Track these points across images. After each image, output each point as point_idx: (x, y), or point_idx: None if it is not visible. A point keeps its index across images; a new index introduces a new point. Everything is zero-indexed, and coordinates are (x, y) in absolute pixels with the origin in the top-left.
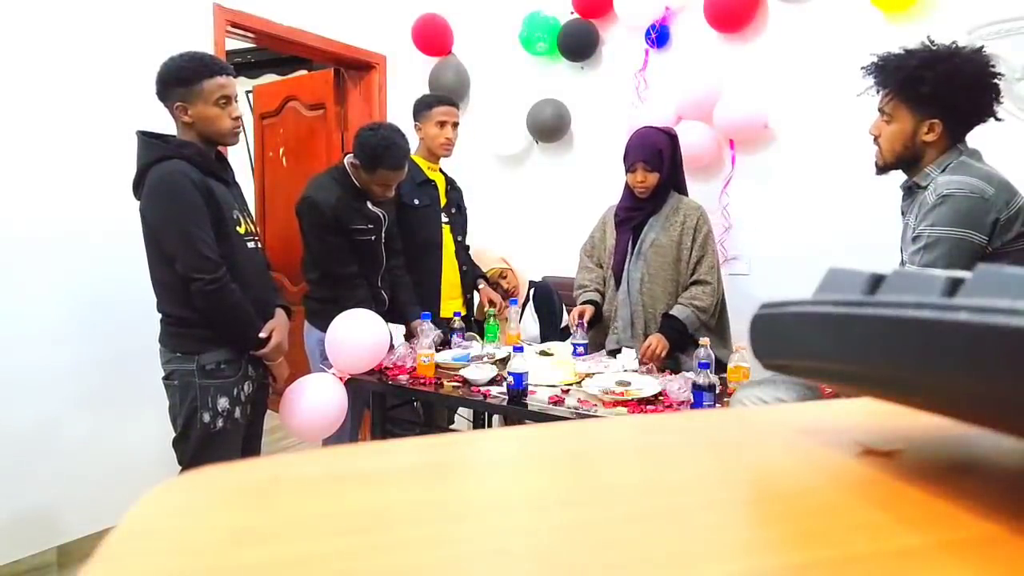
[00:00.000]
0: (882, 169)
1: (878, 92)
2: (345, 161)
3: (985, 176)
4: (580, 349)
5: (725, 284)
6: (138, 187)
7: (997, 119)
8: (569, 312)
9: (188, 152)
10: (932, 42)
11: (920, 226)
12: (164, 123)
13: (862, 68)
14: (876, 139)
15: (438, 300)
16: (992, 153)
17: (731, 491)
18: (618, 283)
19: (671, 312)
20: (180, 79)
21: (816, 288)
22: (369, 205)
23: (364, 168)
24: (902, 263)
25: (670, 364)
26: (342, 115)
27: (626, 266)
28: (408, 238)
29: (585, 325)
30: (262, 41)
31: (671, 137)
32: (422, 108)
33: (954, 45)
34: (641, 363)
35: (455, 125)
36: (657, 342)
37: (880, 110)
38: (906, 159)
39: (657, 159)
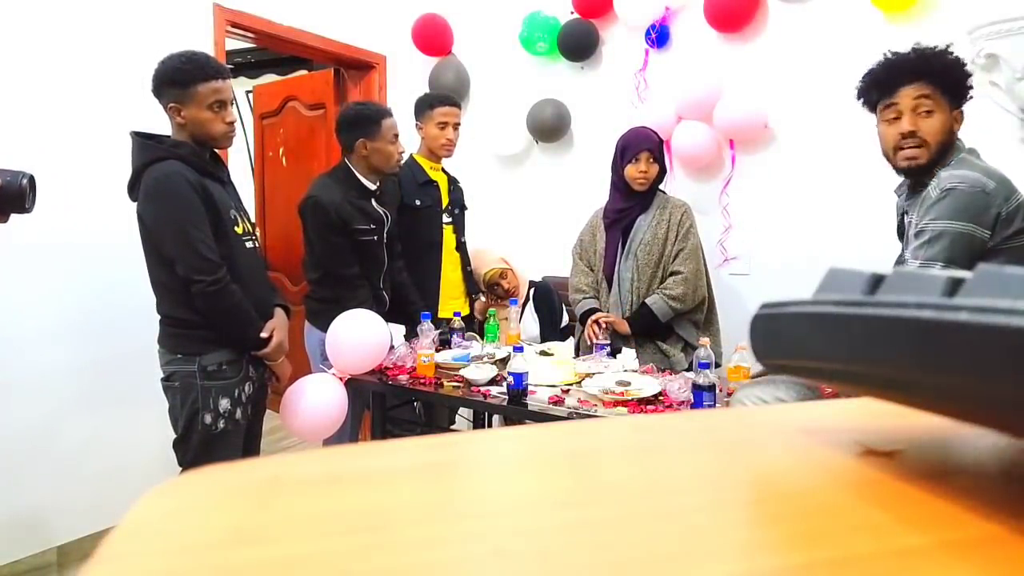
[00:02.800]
0: (927, 168)
1: (888, 95)
2: (348, 161)
3: (985, 171)
4: (607, 349)
5: (725, 284)
6: (133, 188)
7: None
8: (569, 312)
9: (183, 152)
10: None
11: (923, 220)
12: (165, 124)
13: (888, 59)
14: (911, 135)
15: (437, 300)
16: (992, 153)
17: (731, 491)
18: (610, 284)
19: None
20: (174, 80)
21: (816, 288)
22: (374, 204)
23: (373, 136)
24: (900, 261)
25: (659, 361)
26: None
27: (617, 267)
28: (409, 239)
29: (608, 327)
30: (262, 41)
31: (661, 138)
32: (423, 108)
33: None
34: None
35: (456, 126)
36: (614, 318)
37: (915, 104)
38: (943, 152)
39: (659, 150)
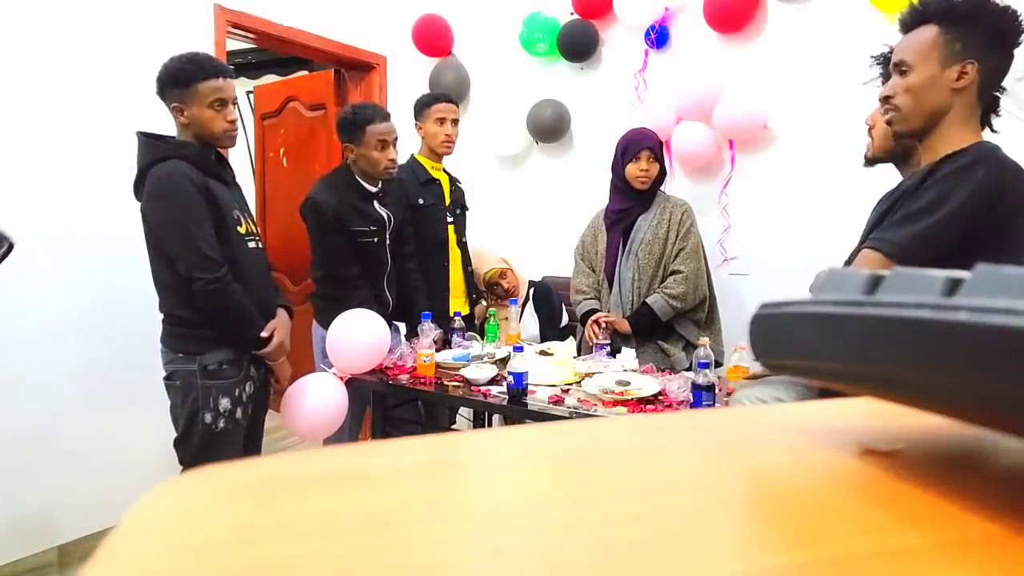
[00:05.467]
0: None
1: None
2: (347, 161)
3: None
4: (607, 348)
5: (725, 284)
6: (139, 188)
7: None
8: (569, 312)
9: (188, 152)
10: None
11: None
12: (166, 124)
13: None
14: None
15: (447, 298)
16: None
17: (731, 491)
18: (611, 284)
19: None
20: (176, 80)
21: (816, 287)
22: (376, 206)
23: (357, 141)
24: None
25: (660, 360)
26: None
27: (618, 267)
28: (414, 238)
29: (608, 327)
30: (262, 41)
31: (660, 139)
32: (421, 107)
33: None
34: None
35: (455, 122)
36: (614, 317)
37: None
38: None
39: (660, 149)
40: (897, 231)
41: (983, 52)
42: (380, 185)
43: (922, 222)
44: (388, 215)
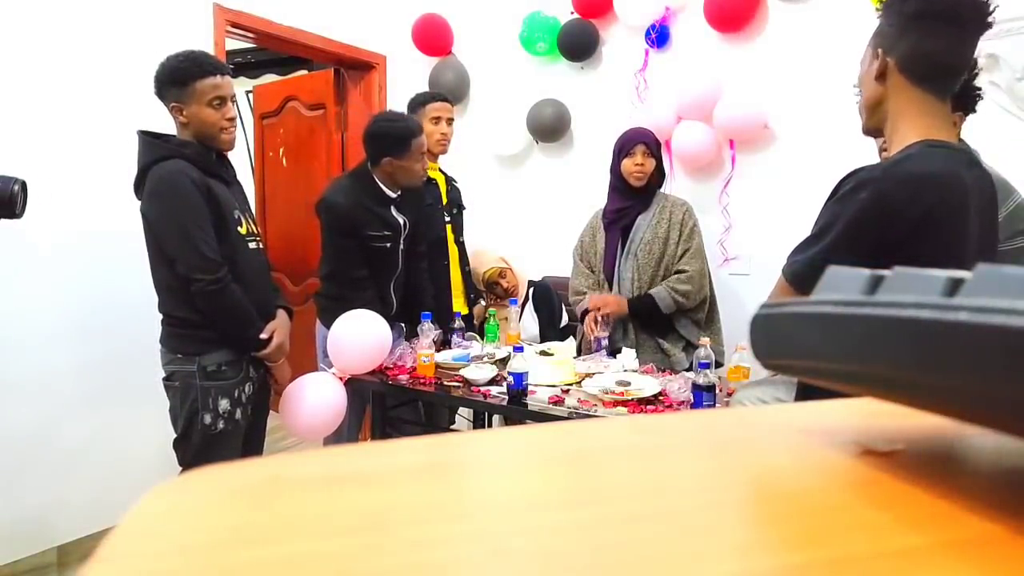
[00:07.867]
0: None
1: None
2: (372, 170)
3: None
4: (605, 342)
5: (725, 284)
6: (139, 187)
7: None
8: (569, 312)
9: (188, 151)
10: None
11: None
12: (165, 123)
13: None
14: None
15: (450, 298)
16: (992, 153)
17: (731, 491)
18: (610, 284)
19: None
20: (174, 79)
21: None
22: (392, 211)
23: (399, 154)
24: None
25: (660, 360)
26: (342, 115)
27: (617, 267)
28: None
29: (609, 321)
30: (262, 41)
31: (658, 139)
32: (416, 106)
33: None
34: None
35: (450, 121)
36: (613, 300)
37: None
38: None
39: (655, 146)
40: (799, 255)
41: (894, 37)
42: (399, 191)
43: (812, 249)
44: (404, 220)
